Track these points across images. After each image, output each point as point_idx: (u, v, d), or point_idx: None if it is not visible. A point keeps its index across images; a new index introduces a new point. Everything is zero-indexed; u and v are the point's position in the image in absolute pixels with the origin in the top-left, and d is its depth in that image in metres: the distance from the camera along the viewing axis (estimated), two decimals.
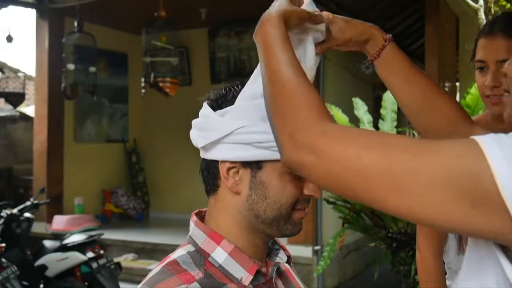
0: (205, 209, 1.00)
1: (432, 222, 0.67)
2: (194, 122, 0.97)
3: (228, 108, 0.92)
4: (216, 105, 0.94)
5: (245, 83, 0.95)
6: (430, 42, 5.83)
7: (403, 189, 0.66)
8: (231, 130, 0.89)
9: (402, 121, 5.36)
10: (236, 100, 0.92)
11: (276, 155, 0.88)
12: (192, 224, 0.97)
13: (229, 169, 0.92)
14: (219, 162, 0.93)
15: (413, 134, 5.08)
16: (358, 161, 0.69)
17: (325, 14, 1.00)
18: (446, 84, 6.83)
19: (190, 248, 0.94)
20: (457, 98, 7.19)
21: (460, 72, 7.06)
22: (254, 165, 0.91)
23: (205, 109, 0.95)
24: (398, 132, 4.74)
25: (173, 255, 0.93)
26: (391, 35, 1.10)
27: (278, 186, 0.90)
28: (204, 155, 0.96)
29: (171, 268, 0.89)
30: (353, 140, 0.72)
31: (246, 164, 0.91)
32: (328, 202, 4.39)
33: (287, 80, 0.80)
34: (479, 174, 0.62)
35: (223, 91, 0.96)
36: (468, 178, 0.63)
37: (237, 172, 0.92)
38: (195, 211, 1.00)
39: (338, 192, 0.75)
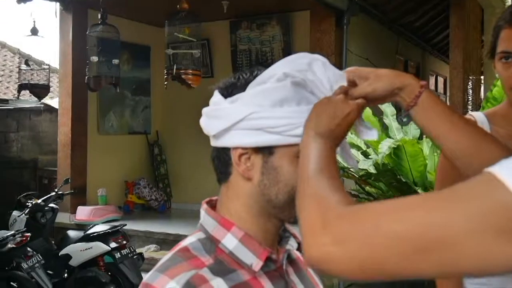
0: (216, 197, 1.01)
1: (480, 271, 0.63)
2: (205, 110, 0.97)
3: (238, 94, 0.93)
4: (227, 93, 0.95)
5: (257, 69, 0.96)
6: (454, 34, 5.75)
7: (438, 248, 0.62)
8: (243, 116, 0.90)
9: None
10: (248, 87, 0.93)
11: (288, 140, 0.90)
12: (202, 212, 0.98)
13: (241, 155, 0.92)
14: (231, 149, 0.93)
15: None
16: (378, 230, 0.65)
17: (349, 71, 0.98)
18: (471, 77, 6.73)
19: (201, 235, 0.95)
20: (482, 91, 7.08)
21: (485, 64, 6.94)
22: (266, 151, 0.91)
23: (216, 96, 0.96)
24: None
25: (184, 242, 0.95)
26: (425, 81, 1.03)
27: (290, 170, 0.91)
28: (215, 143, 0.96)
29: (182, 254, 0.91)
30: (369, 213, 0.69)
31: (258, 149, 0.92)
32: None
33: (309, 176, 0.81)
34: (507, 207, 0.59)
35: (233, 79, 0.97)
36: (499, 215, 0.59)
37: (249, 158, 0.92)
38: (205, 200, 1.01)
39: (369, 274, 0.69)
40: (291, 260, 1.02)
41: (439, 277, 0.63)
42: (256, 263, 0.91)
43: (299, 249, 1.03)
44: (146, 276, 0.90)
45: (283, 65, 0.93)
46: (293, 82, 0.90)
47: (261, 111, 0.89)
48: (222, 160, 0.96)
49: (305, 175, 0.82)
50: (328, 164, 0.83)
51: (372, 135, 1.00)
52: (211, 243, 0.93)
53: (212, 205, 1.00)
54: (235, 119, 0.90)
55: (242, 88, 0.93)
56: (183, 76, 5.84)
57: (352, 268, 0.68)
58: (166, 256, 0.93)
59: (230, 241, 0.92)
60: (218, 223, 0.94)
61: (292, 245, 1.01)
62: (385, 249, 0.65)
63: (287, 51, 7.44)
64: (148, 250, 6.09)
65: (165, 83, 6.07)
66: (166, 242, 6.26)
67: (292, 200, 0.91)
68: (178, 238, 6.16)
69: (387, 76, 0.99)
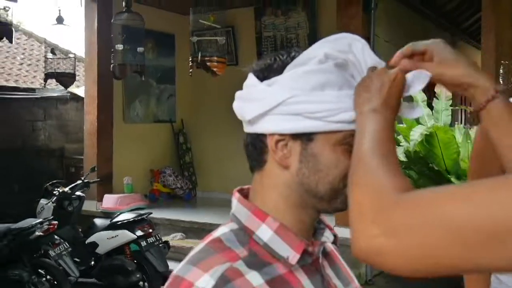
0: (247, 186, 0.96)
1: None
2: (239, 93, 0.92)
3: (276, 77, 0.87)
4: (262, 76, 0.89)
5: (295, 51, 0.91)
6: (486, 18, 5.55)
7: (508, 236, 0.55)
8: (281, 101, 0.84)
9: (456, 99, 5.17)
10: (285, 69, 0.87)
11: (328, 126, 0.84)
12: (234, 201, 0.92)
13: (277, 141, 0.87)
14: (267, 135, 0.87)
15: (465, 111, 4.87)
16: (438, 218, 0.58)
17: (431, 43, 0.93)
18: (503, 62, 6.55)
19: (234, 225, 0.90)
20: None
21: None
22: (305, 137, 0.86)
23: (251, 79, 0.90)
24: (453, 111, 4.57)
25: (216, 233, 0.90)
26: (501, 86, 0.93)
27: (331, 158, 0.86)
28: (249, 128, 0.90)
29: (215, 246, 0.86)
30: (427, 200, 0.62)
31: (296, 136, 0.86)
32: None
33: (363, 157, 0.74)
34: None
35: (268, 60, 0.91)
36: None
37: (286, 145, 0.87)
38: (237, 188, 0.95)
39: (424, 269, 0.62)
40: (325, 254, 0.96)
41: (504, 270, 0.55)
42: (293, 256, 0.85)
43: (334, 242, 0.98)
44: (176, 268, 0.85)
45: (323, 46, 0.88)
46: (336, 64, 0.85)
47: (301, 95, 0.84)
48: (256, 147, 0.90)
49: (359, 155, 0.75)
50: (384, 141, 0.76)
51: (418, 112, 0.93)
52: (244, 234, 0.88)
53: (244, 194, 0.94)
54: (273, 103, 0.85)
55: (279, 71, 0.88)
56: (208, 64, 5.79)
57: (405, 262, 0.61)
58: (197, 248, 0.88)
59: (264, 233, 0.86)
60: (252, 213, 0.89)
61: (327, 237, 0.96)
62: (445, 239, 0.58)
63: (312, 38, 7.33)
64: (174, 239, 6.10)
65: (190, 71, 6.03)
66: (192, 230, 6.26)
67: (334, 191, 0.87)
68: (204, 226, 6.15)
69: (460, 68, 0.90)
